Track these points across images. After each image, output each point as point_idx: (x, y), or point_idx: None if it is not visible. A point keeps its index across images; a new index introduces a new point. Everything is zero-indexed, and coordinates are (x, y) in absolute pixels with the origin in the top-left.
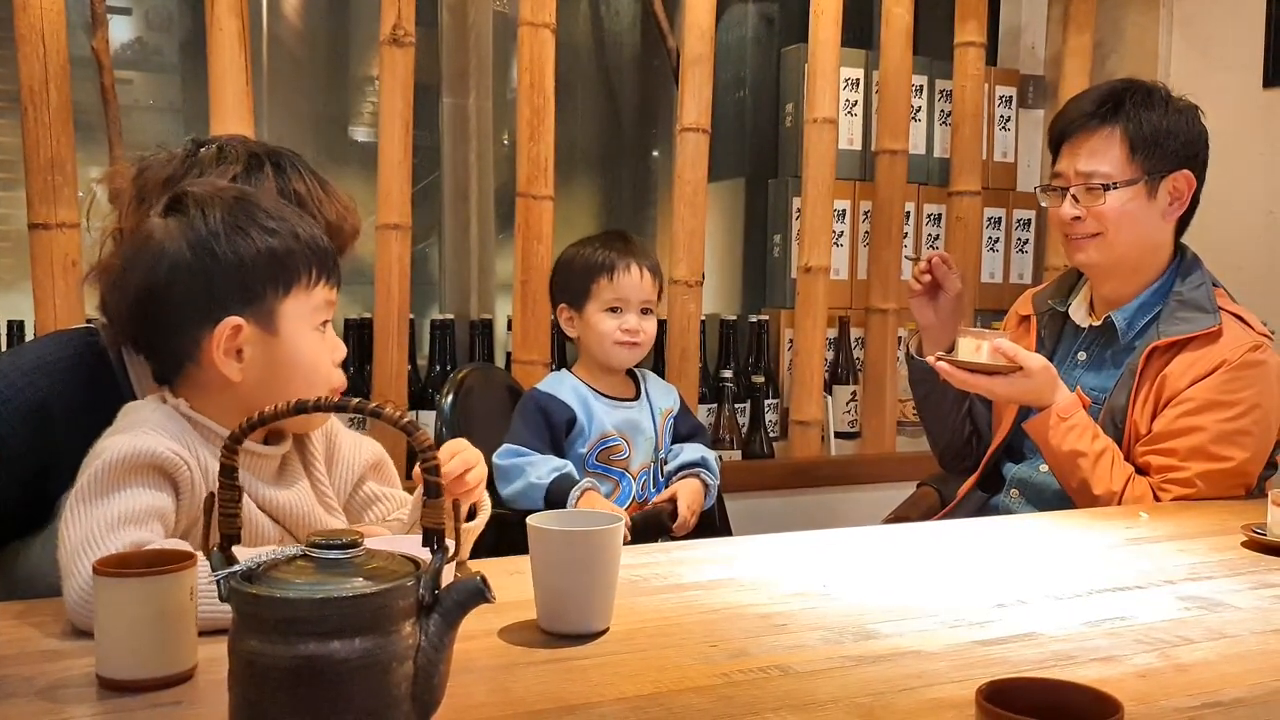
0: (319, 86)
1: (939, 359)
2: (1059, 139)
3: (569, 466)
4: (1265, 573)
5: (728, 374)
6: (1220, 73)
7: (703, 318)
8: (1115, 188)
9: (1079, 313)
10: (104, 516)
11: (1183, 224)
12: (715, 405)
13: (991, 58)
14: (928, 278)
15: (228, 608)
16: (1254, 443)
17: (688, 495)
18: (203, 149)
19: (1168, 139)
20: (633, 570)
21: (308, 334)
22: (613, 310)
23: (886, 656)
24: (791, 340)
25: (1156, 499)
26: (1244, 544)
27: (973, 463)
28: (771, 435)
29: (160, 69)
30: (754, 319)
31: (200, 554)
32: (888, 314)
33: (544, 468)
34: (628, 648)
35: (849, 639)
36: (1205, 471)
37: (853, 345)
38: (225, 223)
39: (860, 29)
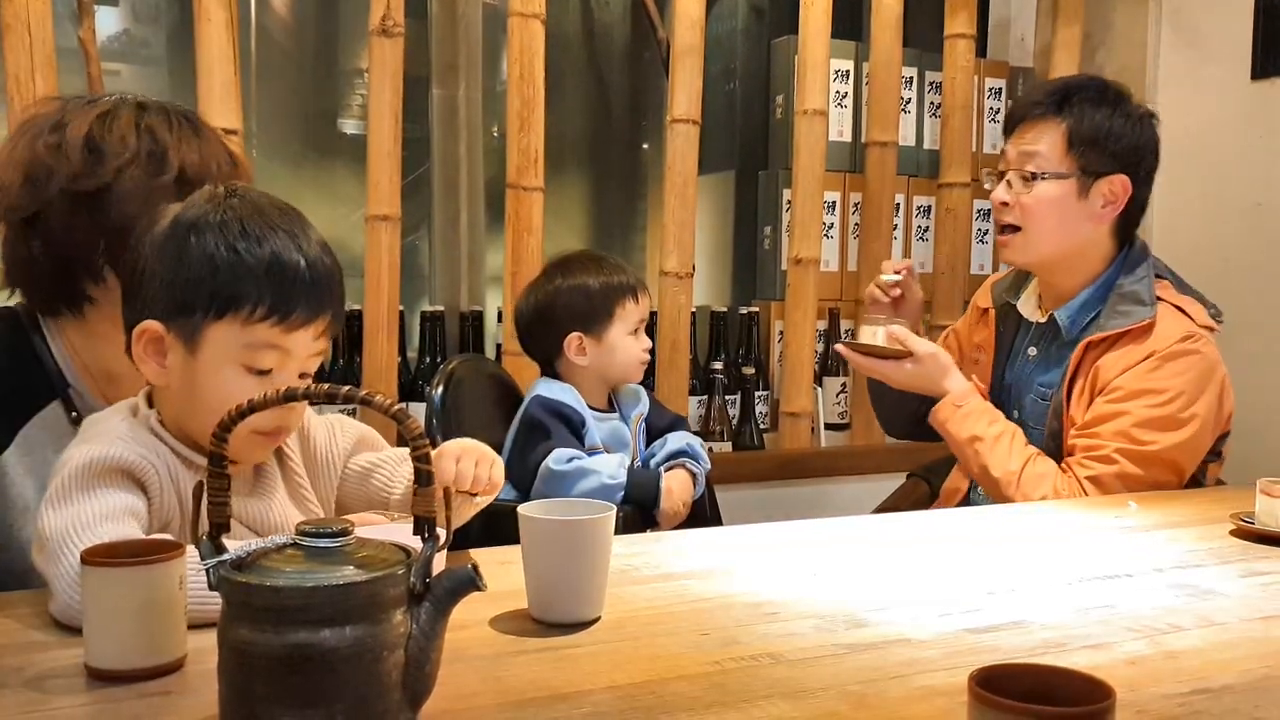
0: (307, 78)
1: (842, 344)
2: (1008, 125)
3: (627, 459)
4: (1254, 560)
5: (718, 366)
6: (1209, 64)
7: (693, 310)
8: (1045, 178)
9: (1028, 307)
10: (80, 515)
11: (1125, 227)
12: (706, 397)
13: (981, 50)
14: (897, 291)
15: (217, 600)
16: (1180, 431)
17: (678, 486)
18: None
19: (1109, 140)
20: (624, 559)
21: (227, 368)
22: (633, 331)
23: (877, 644)
24: (782, 332)
25: (1082, 483)
26: (1232, 532)
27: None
28: (762, 427)
29: (147, 61)
30: (744, 311)
31: (189, 545)
32: None
33: (612, 464)
34: (619, 636)
35: (840, 627)
36: (1123, 449)
37: (843, 337)
38: (201, 220)
39: (850, 20)
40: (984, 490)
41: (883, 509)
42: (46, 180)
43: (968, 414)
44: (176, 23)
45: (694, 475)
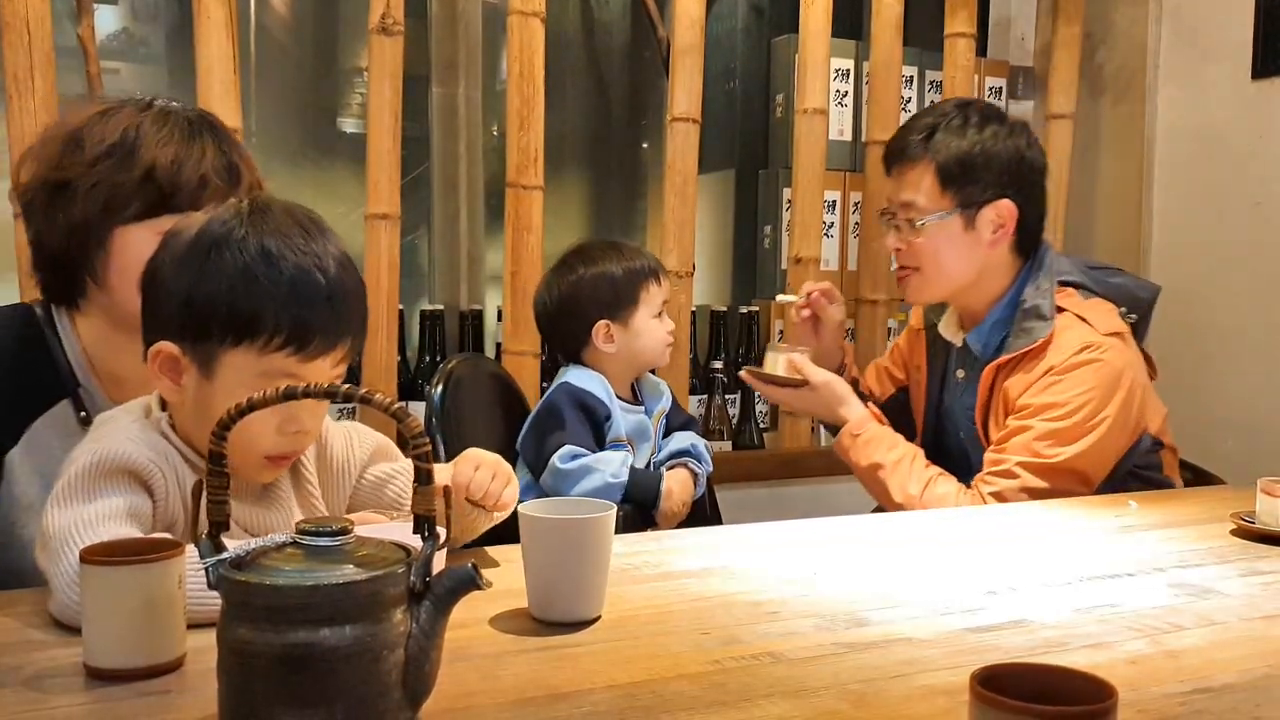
0: (307, 77)
1: (744, 371)
2: (886, 166)
3: (631, 457)
4: (1254, 560)
5: (718, 365)
6: (1209, 64)
7: (693, 309)
8: (926, 223)
9: (949, 329)
10: (83, 515)
11: (1024, 242)
12: (706, 396)
13: (981, 49)
14: (806, 312)
15: (217, 600)
16: (1082, 441)
17: (678, 486)
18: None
19: (981, 170)
20: (624, 559)
21: (242, 396)
22: (657, 314)
23: (878, 643)
24: (782, 331)
25: (985, 499)
26: (1233, 532)
27: None
28: (762, 426)
29: (147, 59)
30: (744, 310)
31: (189, 544)
32: (878, 305)
33: (615, 463)
34: (619, 635)
35: (840, 626)
36: (1025, 463)
37: (845, 338)
38: (222, 237)
39: (850, 19)
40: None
41: (882, 508)
42: (32, 170)
43: (867, 441)
44: (176, 21)
45: (695, 475)
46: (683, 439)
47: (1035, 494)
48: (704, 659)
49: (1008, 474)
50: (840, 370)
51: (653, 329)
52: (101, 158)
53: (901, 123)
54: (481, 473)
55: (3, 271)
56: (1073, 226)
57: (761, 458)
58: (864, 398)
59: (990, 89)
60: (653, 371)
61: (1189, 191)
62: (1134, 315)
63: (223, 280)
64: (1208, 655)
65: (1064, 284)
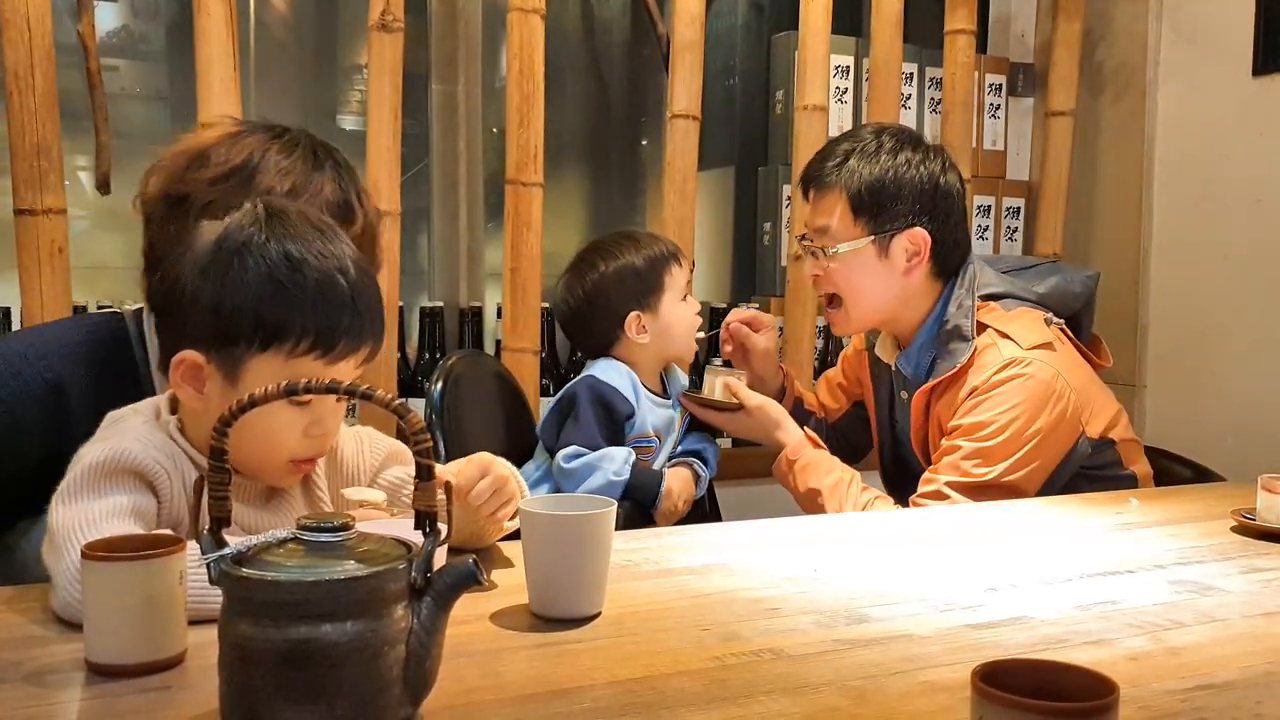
0: (307, 74)
1: (682, 395)
2: (803, 190)
3: (633, 455)
4: (1255, 557)
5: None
6: (1209, 61)
7: None
8: (839, 250)
9: (885, 352)
10: (87, 513)
11: (942, 267)
12: None
13: (982, 46)
14: (729, 347)
15: (218, 595)
16: (1013, 457)
17: (678, 484)
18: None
19: (891, 199)
20: (624, 555)
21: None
22: (683, 298)
23: (878, 640)
24: (781, 328)
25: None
26: (1234, 528)
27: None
28: None
29: (147, 57)
30: (744, 307)
31: (190, 540)
32: None
33: (618, 460)
34: (619, 632)
35: (841, 622)
36: (954, 483)
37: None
38: (241, 246)
39: (850, 16)
40: None
41: None
42: (157, 183)
43: (804, 466)
44: (176, 18)
45: (698, 476)
46: (695, 439)
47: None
48: (704, 655)
49: (937, 495)
50: (781, 393)
51: (681, 312)
52: (222, 178)
53: (896, 119)
54: (484, 484)
55: (4, 270)
56: (1072, 224)
57: (761, 455)
58: (808, 416)
59: (991, 86)
60: None
61: (1189, 188)
62: (1062, 319)
63: (249, 287)
64: (1209, 652)
65: (987, 297)
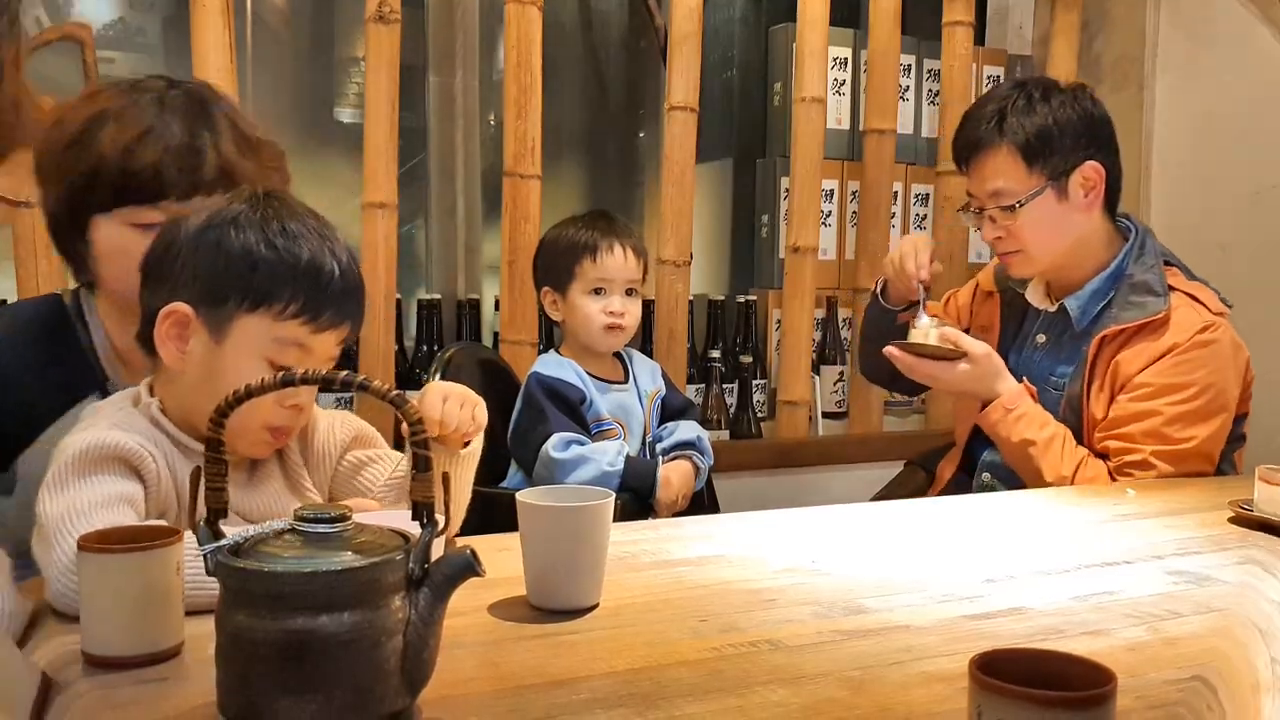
0: (304, 66)
1: (892, 345)
2: (959, 160)
3: (626, 447)
4: (1252, 548)
5: (715, 354)
6: (1207, 51)
7: (690, 298)
8: (1023, 204)
9: (1036, 295)
10: (76, 502)
11: (1111, 202)
12: (703, 385)
13: (980, 37)
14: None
15: (215, 586)
16: (1210, 422)
17: (678, 477)
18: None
19: (1059, 138)
20: (622, 547)
21: (252, 359)
22: (596, 292)
23: (876, 631)
24: (779, 320)
25: (1114, 480)
26: (1231, 519)
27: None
28: (759, 415)
29: (143, 49)
30: (742, 299)
31: (187, 531)
32: None
33: (610, 452)
34: (617, 623)
35: (838, 614)
36: (1161, 451)
37: (840, 326)
38: (241, 215)
39: (848, 8)
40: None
41: (880, 497)
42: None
43: (1019, 417)
44: (172, 10)
45: (697, 469)
46: (689, 430)
47: (1168, 479)
48: (702, 646)
49: (1143, 464)
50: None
51: (583, 306)
52: (67, 146)
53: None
54: (450, 404)
55: (1, 263)
56: None
57: (759, 447)
58: None
59: (989, 77)
60: (650, 355)
61: (1187, 180)
62: (1230, 304)
63: (243, 250)
64: (1206, 642)
65: (1167, 264)
